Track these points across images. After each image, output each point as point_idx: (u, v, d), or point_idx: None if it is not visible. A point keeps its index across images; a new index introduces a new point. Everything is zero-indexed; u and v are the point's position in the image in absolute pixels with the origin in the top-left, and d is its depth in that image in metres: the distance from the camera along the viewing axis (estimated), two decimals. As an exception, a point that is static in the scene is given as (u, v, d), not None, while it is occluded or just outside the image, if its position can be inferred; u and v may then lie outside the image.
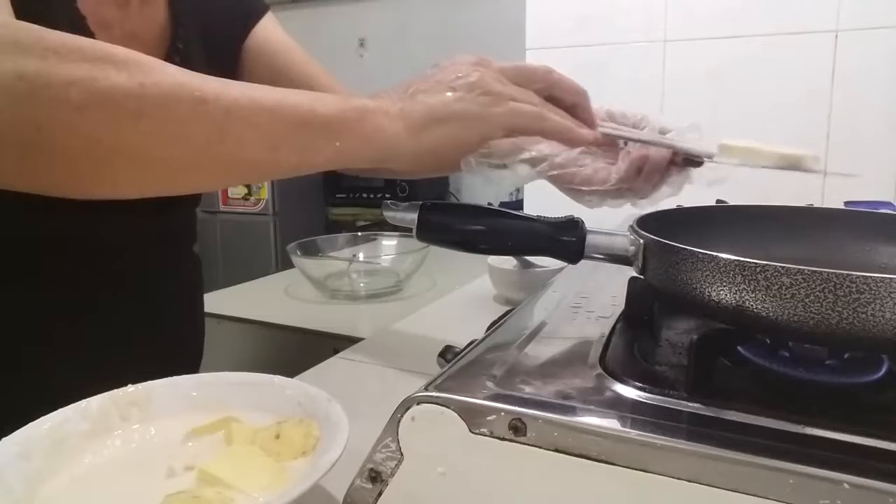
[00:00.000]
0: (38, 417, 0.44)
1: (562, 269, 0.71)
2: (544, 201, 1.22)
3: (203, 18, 0.71)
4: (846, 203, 0.89)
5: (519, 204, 1.80)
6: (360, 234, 1.37)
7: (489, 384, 0.36)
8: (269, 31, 0.77)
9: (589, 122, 0.57)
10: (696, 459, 0.29)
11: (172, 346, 0.74)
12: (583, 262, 0.47)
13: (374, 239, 1.36)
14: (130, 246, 0.67)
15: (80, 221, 0.61)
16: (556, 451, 0.32)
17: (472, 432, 0.34)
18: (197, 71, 0.64)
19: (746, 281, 0.35)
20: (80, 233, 0.62)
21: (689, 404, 0.34)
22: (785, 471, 0.28)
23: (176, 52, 0.66)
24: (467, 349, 0.44)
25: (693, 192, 1.08)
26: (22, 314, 0.62)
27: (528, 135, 0.51)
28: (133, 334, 0.69)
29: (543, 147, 0.56)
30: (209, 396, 0.51)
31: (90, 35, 0.58)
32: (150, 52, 0.62)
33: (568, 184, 0.59)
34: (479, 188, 2.24)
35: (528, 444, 0.32)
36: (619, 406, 0.34)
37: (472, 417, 0.34)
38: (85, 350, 0.65)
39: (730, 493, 0.28)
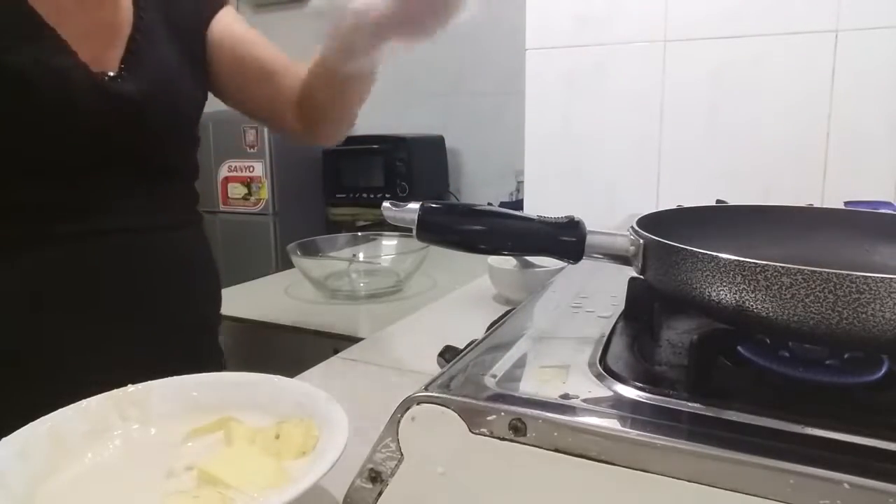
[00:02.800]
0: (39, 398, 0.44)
1: (562, 269, 0.71)
2: (544, 201, 1.22)
3: (167, 10, 0.77)
4: (846, 203, 0.89)
5: (519, 204, 1.80)
6: (360, 234, 1.37)
7: (489, 384, 0.36)
8: (229, 21, 0.82)
9: None
10: (696, 459, 0.29)
11: (179, 319, 0.75)
12: (583, 262, 0.47)
13: (374, 239, 1.36)
14: (127, 216, 0.70)
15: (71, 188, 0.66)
16: (556, 451, 0.32)
17: (472, 432, 0.34)
18: (162, 49, 0.73)
19: (746, 281, 0.35)
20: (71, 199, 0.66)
21: (689, 404, 0.34)
22: (785, 471, 0.28)
23: (137, 33, 0.72)
24: (467, 349, 0.44)
25: (693, 192, 1.08)
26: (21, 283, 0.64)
27: None
28: (136, 304, 0.70)
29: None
30: (209, 396, 0.51)
31: (47, 28, 0.63)
32: (112, 37, 0.70)
33: (344, 29, 0.60)
34: (479, 188, 2.24)
35: (528, 444, 0.32)
36: (619, 406, 0.34)
37: (472, 417, 0.34)
38: (87, 323, 0.66)
39: (730, 493, 0.28)
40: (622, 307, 0.49)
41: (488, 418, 0.33)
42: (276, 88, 0.83)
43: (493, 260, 0.96)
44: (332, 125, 0.85)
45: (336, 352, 0.78)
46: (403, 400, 0.35)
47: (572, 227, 0.46)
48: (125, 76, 0.69)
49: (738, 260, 0.35)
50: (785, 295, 0.33)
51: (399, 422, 0.35)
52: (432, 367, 0.48)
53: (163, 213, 0.74)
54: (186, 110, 0.78)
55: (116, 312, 0.69)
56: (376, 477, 0.36)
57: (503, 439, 0.33)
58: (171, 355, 0.62)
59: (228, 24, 0.82)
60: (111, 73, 0.68)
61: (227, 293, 1.18)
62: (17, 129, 0.62)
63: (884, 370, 0.37)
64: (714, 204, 0.69)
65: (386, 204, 0.49)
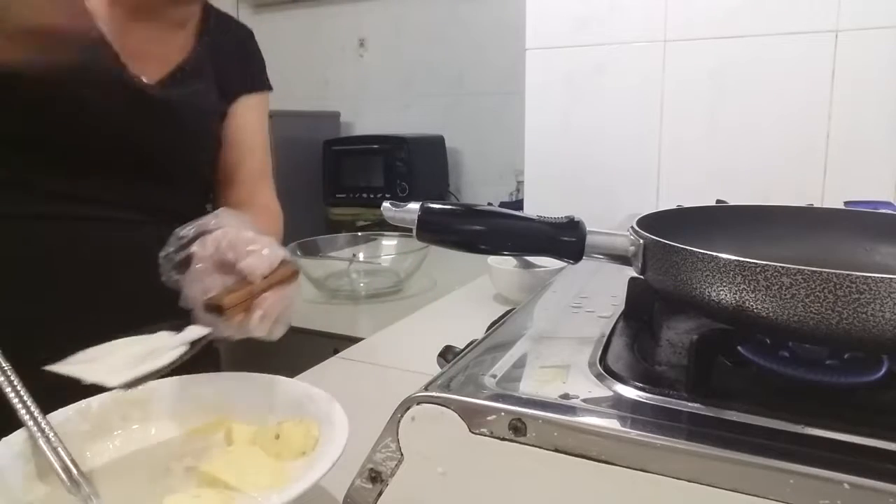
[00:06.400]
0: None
1: (562, 269, 0.71)
2: (544, 201, 1.22)
3: (219, 62, 0.82)
4: (846, 203, 0.89)
5: (519, 204, 1.80)
6: (360, 234, 1.37)
7: (489, 384, 0.36)
8: (252, 106, 0.87)
9: None
10: (696, 459, 0.29)
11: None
12: (583, 262, 0.47)
13: (374, 239, 1.36)
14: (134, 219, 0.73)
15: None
16: (556, 451, 0.32)
17: (472, 432, 0.34)
18: (204, 88, 0.80)
19: (746, 281, 0.35)
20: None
21: (689, 404, 0.34)
22: (785, 471, 0.28)
23: (187, 64, 0.78)
24: (467, 349, 0.44)
25: (693, 192, 1.08)
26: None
27: None
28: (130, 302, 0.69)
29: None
30: (209, 396, 0.51)
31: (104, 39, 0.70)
32: (163, 59, 0.76)
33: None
34: (479, 188, 2.24)
35: (528, 444, 0.32)
36: (619, 406, 0.34)
37: (472, 417, 0.34)
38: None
39: (730, 493, 0.28)
40: (622, 307, 0.49)
41: (488, 418, 0.33)
42: (229, 191, 0.86)
43: (493, 260, 0.96)
44: None
45: (336, 352, 0.78)
46: (403, 400, 0.35)
47: (572, 227, 0.46)
48: (162, 87, 0.74)
49: (738, 260, 0.35)
50: (785, 295, 0.33)
51: (399, 422, 0.35)
52: (432, 367, 0.48)
53: (161, 213, 0.75)
54: (206, 141, 0.80)
55: (118, 307, 0.69)
56: (376, 477, 0.36)
57: (503, 439, 0.33)
58: None
59: (251, 110, 0.86)
60: (148, 81, 0.73)
61: (227, 293, 1.18)
62: (52, 115, 0.66)
63: (884, 370, 0.37)
64: (714, 204, 0.69)
65: (386, 204, 0.49)
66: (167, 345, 0.49)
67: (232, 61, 0.84)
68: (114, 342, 0.49)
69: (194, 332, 0.51)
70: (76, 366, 0.44)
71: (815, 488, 0.27)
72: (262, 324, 0.53)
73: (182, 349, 0.49)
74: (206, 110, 0.80)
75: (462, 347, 0.47)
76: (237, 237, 0.56)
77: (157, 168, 0.75)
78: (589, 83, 1.16)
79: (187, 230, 0.57)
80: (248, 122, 0.86)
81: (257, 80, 0.88)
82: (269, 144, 0.92)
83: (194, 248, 0.56)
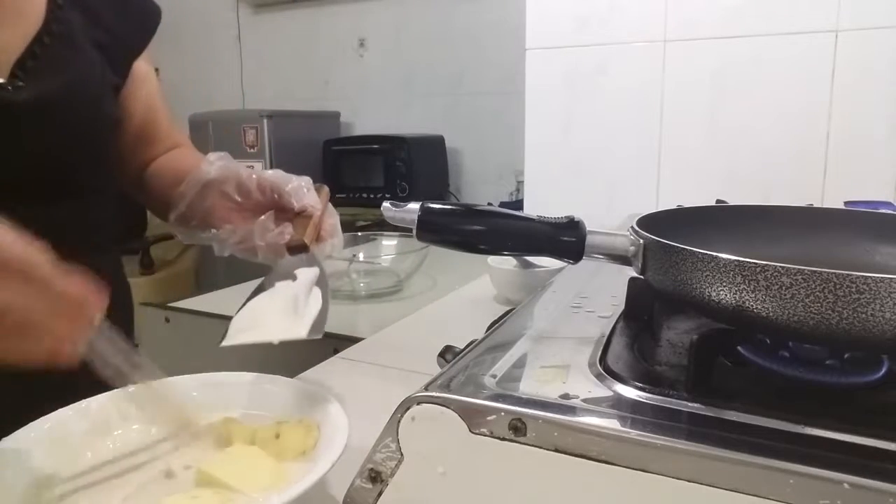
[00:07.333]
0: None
1: (562, 269, 0.71)
2: (544, 201, 1.22)
3: (91, 19, 0.66)
4: (846, 203, 0.89)
5: (519, 204, 1.80)
6: (360, 234, 1.36)
7: (489, 384, 0.36)
8: (151, 71, 0.76)
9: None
10: (696, 459, 0.29)
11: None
12: (583, 262, 0.47)
13: (374, 239, 1.35)
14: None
15: None
16: (556, 451, 0.32)
17: (472, 432, 0.34)
18: (79, 50, 0.64)
19: (746, 281, 0.35)
20: None
21: (689, 404, 0.34)
22: (785, 471, 0.28)
23: (47, 35, 0.61)
24: (467, 349, 0.44)
25: (693, 192, 1.08)
26: None
27: None
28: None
29: (227, 226, 0.61)
30: (209, 396, 0.51)
31: None
32: (18, 33, 0.60)
33: (253, 254, 0.61)
34: (479, 188, 2.24)
35: (528, 444, 0.32)
36: (619, 406, 0.34)
37: (472, 417, 0.34)
38: None
39: (730, 493, 0.28)
40: (622, 307, 0.49)
41: (488, 418, 0.33)
42: (150, 151, 0.76)
43: (493, 260, 0.96)
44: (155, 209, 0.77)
45: (336, 352, 0.78)
46: (403, 400, 0.35)
47: (572, 227, 0.47)
48: (20, 83, 0.58)
49: (738, 260, 0.35)
50: (785, 295, 0.33)
51: (399, 422, 0.35)
52: (432, 367, 0.48)
53: (55, 241, 0.64)
54: (98, 128, 0.66)
55: None
56: (376, 477, 0.36)
57: (503, 439, 0.33)
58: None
59: (150, 73, 0.75)
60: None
61: (226, 293, 1.18)
62: None
63: (884, 370, 0.37)
64: (714, 204, 0.69)
65: (386, 204, 0.49)
66: (296, 292, 0.51)
67: (108, 15, 0.68)
68: (246, 307, 0.50)
69: (308, 273, 0.54)
70: (247, 333, 0.48)
71: (815, 488, 0.27)
72: (340, 244, 0.60)
73: (317, 289, 0.52)
74: (92, 84, 0.64)
75: (462, 347, 0.47)
76: (266, 179, 0.58)
77: (52, 171, 0.61)
78: (589, 83, 1.16)
79: (188, 186, 0.57)
80: (149, 87, 0.74)
81: (145, 29, 0.73)
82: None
83: (219, 200, 0.57)
